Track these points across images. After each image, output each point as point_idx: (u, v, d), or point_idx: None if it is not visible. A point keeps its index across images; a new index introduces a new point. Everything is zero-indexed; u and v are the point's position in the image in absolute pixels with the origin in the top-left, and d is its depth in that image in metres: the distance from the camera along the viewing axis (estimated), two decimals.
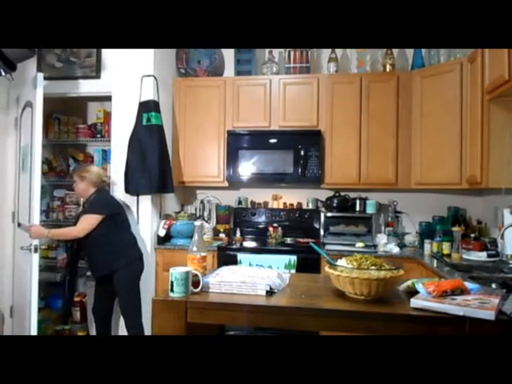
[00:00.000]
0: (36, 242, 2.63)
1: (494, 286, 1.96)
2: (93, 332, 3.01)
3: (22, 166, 3.00)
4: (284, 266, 2.91)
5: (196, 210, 3.61)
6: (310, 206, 3.54)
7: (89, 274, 2.97)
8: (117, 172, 3.07)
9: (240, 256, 2.99)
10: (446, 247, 2.77)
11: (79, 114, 3.68)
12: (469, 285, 1.37)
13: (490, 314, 1.13)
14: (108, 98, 3.16)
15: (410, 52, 3.45)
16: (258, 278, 1.47)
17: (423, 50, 3.28)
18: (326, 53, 3.55)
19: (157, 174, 2.97)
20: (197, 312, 1.34)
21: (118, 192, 3.06)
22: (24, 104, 3.00)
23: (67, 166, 3.56)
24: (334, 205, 3.36)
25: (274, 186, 3.59)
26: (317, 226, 3.45)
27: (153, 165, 2.96)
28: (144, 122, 3.00)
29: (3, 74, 2.67)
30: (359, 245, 3.05)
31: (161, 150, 3.03)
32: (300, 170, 3.22)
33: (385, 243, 3.03)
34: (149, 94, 3.05)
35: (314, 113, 3.30)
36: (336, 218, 3.31)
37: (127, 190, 3.01)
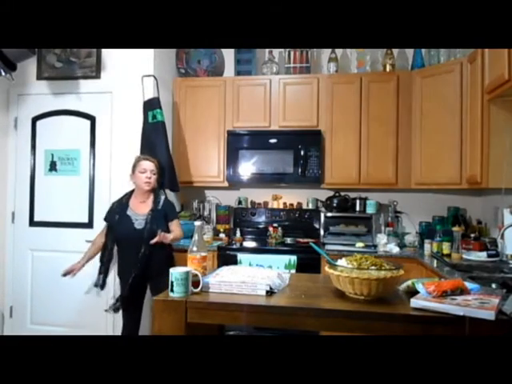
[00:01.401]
0: None
1: (494, 285, 1.96)
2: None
3: (49, 167, 3.18)
4: (284, 266, 2.91)
5: (196, 210, 3.61)
6: (310, 206, 3.54)
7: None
8: (118, 172, 3.07)
9: (240, 256, 2.99)
10: (446, 247, 2.77)
11: None
12: (469, 285, 1.37)
13: (489, 314, 1.13)
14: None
15: (410, 52, 3.45)
16: (257, 278, 1.47)
17: (423, 50, 3.28)
18: (326, 53, 3.55)
19: (167, 170, 2.96)
20: (197, 312, 1.34)
21: (119, 192, 3.06)
22: (54, 111, 3.18)
23: None
24: (334, 205, 3.37)
25: (274, 186, 3.59)
26: (317, 226, 3.45)
27: (163, 162, 2.94)
28: (150, 120, 3.00)
29: (3, 74, 2.67)
30: (359, 245, 3.05)
31: (167, 147, 3.03)
32: (300, 170, 3.22)
33: (385, 243, 3.03)
34: (149, 94, 3.05)
35: (314, 113, 3.30)
36: (336, 218, 3.32)
37: None
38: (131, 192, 2.58)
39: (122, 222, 2.46)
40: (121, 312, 2.58)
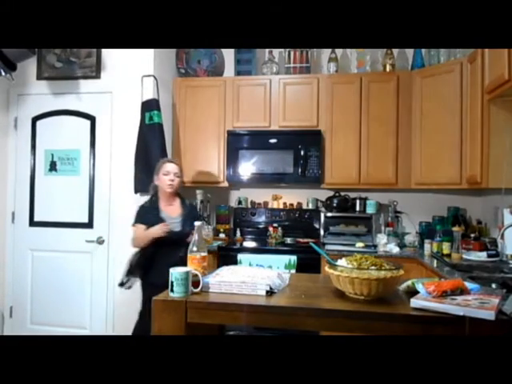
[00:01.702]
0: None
1: (494, 285, 1.96)
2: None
3: (49, 167, 3.19)
4: (284, 266, 2.91)
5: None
6: (310, 206, 3.54)
7: None
8: (117, 172, 3.08)
9: (240, 256, 2.99)
10: (446, 247, 2.77)
11: None
12: (469, 285, 1.37)
13: (489, 314, 1.13)
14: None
15: (410, 52, 3.45)
16: (258, 278, 1.47)
17: (423, 50, 3.28)
18: (326, 53, 3.55)
19: None
20: (197, 312, 1.34)
21: (119, 192, 3.06)
22: (54, 111, 3.19)
23: None
24: (334, 205, 3.37)
25: (274, 186, 3.59)
26: (317, 226, 3.45)
27: (156, 164, 2.94)
28: (147, 121, 2.99)
29: (3, 74, 2.67)
30: (359, 245, 3.05)
31: (163, 149, 3.03)
32: (300, 170, 3.22)
33: (385, 243, 3.03)
34: (149, 94, 3.05)
35: (314, 113, 3.30)
36: (336, 218, 3.32)
37: (136, 190, 3.00)
38: (155, 195, 2.51)
39: (158, 223, 2.36)
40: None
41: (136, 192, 3.01)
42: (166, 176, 2.45)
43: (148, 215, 2.43)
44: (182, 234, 2.36)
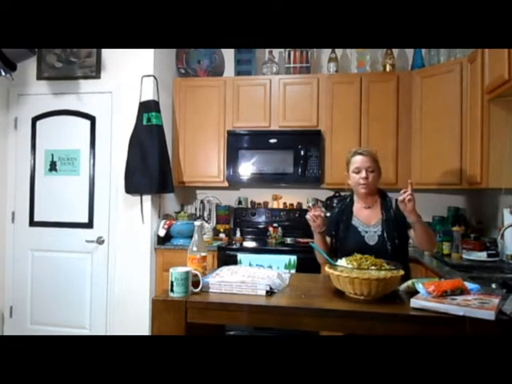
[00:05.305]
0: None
1: (493, 285, 1.96)
2: None
3: (49, 167, 3.18)
4: (284, 266, 2.91)
5: (196, 209, 3.61)
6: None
7: None
8: (117, 172, 3.08)
9: (240, 256, 2.99)
10: (446, 247, 2.77)
11: None
12: (469, 285, 1.37)
13: (489, 314, 1.13)
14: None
15: (410, 52, 3.45)
16: (257, 278, 1.47)
17: (423, 50, 3.28)
18: (326, 53, 3.55)
19: (157, 174, 2.98)
20: (197, 312, 1.34)
21: (118, 192, 3.06)
22: (55, 111, 3.18)
23: None
24: (334, 205, 3.36)
25: (274, 186, 3.59)
26: None
27: (153, 165, 2.97)
28: (144, 122, 3.00)
29: (3, 74, 2.67)
30: None
31: (161, 150, 3.04)
32: (300, 170, 3.22)
33: None
34: (149, 94, 3.05)
35: (314, 113, 3.30)
36: None
37: (128, 190, 3.01)
38: (352, 194, 2.10)
39: (348, 234, 1.95)
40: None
41: (127, 191, 3.03)
42: (357, 174, 1.96)
43: (338, 221, 2.00)
44: (376, 249, 1.80)
